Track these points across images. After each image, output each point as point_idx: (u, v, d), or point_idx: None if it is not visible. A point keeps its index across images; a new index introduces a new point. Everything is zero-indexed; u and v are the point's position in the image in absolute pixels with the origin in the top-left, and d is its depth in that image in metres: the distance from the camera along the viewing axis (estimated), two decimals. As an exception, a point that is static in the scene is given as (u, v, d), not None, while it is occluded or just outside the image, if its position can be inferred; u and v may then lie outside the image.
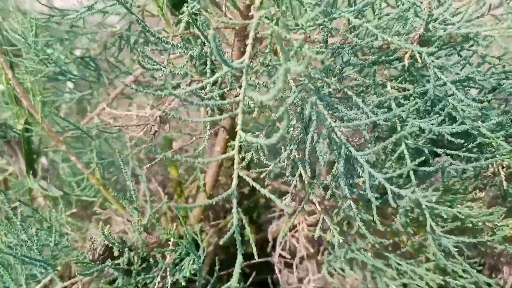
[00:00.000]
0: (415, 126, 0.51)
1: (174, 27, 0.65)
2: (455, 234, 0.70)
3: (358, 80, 0.57)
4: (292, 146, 0.58)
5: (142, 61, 0.56)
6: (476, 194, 0.70)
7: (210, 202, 0.42)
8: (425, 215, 0.58)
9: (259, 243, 1.01)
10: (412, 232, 0.72)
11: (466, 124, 0.53)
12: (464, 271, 0.76)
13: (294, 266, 0.83)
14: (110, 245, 0.57)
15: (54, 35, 0.77)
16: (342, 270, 0.70)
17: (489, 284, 0.77)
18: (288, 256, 0.90)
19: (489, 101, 0.64)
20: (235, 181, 0.43)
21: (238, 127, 0.43)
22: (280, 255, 0.87)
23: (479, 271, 0.77)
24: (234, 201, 0.42)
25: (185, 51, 0.56)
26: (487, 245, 0.76)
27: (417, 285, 0.68)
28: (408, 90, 0.57)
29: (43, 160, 0.90)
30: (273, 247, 0.94)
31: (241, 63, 0.43)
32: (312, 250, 0.86)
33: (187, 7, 0.58)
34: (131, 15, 0.64)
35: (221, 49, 0.49)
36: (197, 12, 0.58)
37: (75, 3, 0.75)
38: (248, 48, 0.42)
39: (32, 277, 0.63)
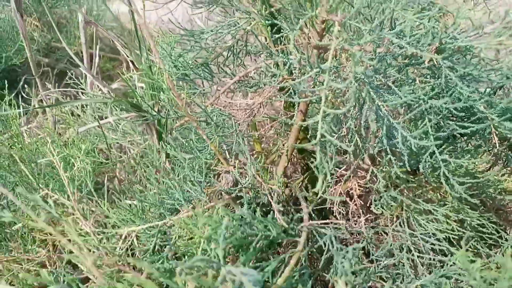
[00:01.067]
0: (432, 104, 0.81)
1: (272, 43, 0.99)
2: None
3: (397, 76, 0.88)
4: (351, 120, 0.90)
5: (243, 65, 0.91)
6: (483, 155, 0.98)
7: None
8: (443, 167, 0.88)
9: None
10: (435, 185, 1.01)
11: (467, 103, 0.82)
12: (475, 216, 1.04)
13: (350, 214, 1.15)
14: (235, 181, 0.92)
15: (185, 48, 1.13)
16: (384, 208, 1.01)
17: (495, 226, 1.04)
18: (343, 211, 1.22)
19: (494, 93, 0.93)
20: (318, 136, 0.75)
21: (322, 104, 0.75)
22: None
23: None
24: (318, 148, 0.75)
25: (284, 58, 0.89)
26: (492, 198, 1.03)
27: (435, 219, 0.97)
28: (430, 82, 0.87)
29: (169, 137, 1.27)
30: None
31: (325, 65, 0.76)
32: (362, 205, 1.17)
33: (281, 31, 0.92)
34: (239, 34, 0.99)
35: (309, 59, 0.82)
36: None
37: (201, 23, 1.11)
38: (330, 58, 0.75)
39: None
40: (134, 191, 1.20)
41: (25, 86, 1.96)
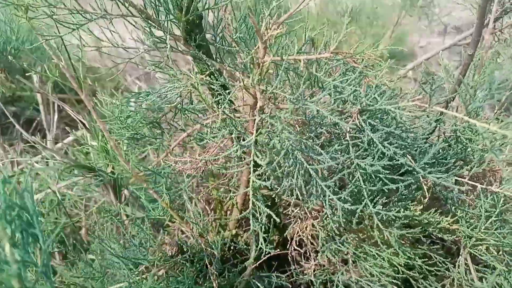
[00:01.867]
0: (358, 164, 0.86)
1: (212, 106, 1.03)
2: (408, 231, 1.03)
3: (328, 134, 0.92)
4: (288, 178, 0.94)
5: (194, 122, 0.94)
6: (420, 200, 1.02)
7: (240, 216, 0.78)
8: (376, 217, 0.92)
9: (281, 241, 1.37)
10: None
11: (392, 160, 0.87)
12: (422, 254, 1.09)
13: (302, 256, 1.18)
14: (180, 245, 0.95)
15: (132, 110, 1.17)
16: (333, 256, 1.05)
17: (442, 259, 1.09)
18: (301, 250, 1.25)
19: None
20: (251, 205, 0.79)
21: (251, 176, 0.79)
22: (294, 249, 1.22)
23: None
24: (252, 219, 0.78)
25: (222, 129, 0.93)
26: (435, 235, 1.08)
27: (381, 264, 1.01)
28: (360, 138, 0.92)
29: (126, 192, 1.30)
30: (291, 244, 1.29)
31: (250, 141, 0.80)
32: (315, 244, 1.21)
33: (220, 98, 0.96)
34: (184, 93, 1.03)
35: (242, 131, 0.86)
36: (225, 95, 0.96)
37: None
38: (254, 134, 0.79)
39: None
40: (94, 250, 1.22)
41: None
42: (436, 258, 1.14)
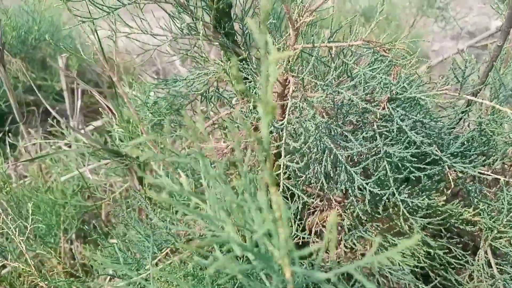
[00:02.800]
0: (386, 151, 0.87)
1: (242, 92, 1.05)
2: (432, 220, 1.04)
3: (355, 123, 0.94)
4: (315, 165, 0.96)
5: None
6: (443, 191, 1.04)
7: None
8: (401, 205, 0.93)
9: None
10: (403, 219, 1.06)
11: (419, 148, 0.88)
12: (442, 245, 1.10)
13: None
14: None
15: (159, 96, 1.19)
16: (354, 244, 1.07)
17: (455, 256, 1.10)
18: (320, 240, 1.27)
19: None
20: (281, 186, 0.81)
21: (283, 158, 0.81)
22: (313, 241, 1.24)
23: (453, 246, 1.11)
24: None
25: (251, 113, 0.95)
26: (458, 227, 1.09)
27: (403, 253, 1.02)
28: (387, 127, 0.93)
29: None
30: (309, 235, 1.31)
31: (282, 124, 0.82)
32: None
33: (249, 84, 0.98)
34: (210, 81, 1.05)
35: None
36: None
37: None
38: (286, 119, 0.81)
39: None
40: (117, 233, 1.24)
41: (12, 129, 2.01)
42: (455, 251, 1.15)
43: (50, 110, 1.34)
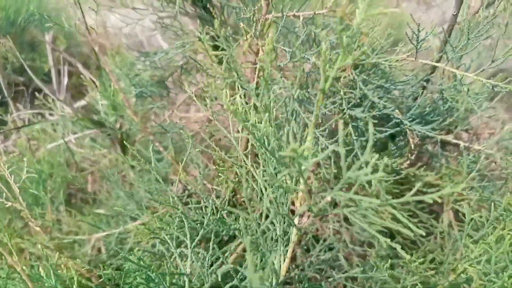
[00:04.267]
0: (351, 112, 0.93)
1: (215, 63, 1.10)
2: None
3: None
4: (286, 126, 1.01)
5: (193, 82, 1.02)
6: (408, 157, 1.10)
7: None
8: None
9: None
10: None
11: (380, 111, 0.94)
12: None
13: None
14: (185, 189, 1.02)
15: (140, 68, 1.24)
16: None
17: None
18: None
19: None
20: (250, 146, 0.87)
21: (251, 116, 0.87)
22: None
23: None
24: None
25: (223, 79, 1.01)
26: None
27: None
28: (352, 92, 0.99)
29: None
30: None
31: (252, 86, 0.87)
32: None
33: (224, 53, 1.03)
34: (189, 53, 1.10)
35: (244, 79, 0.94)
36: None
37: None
38: (255, 78, 0.86)
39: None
40: (101, 201, 1.30)
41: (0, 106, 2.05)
42: (421, 216, 1.22)
43: (40, 85, 1.38)
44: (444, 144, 1.14)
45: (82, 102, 1.71)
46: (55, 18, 2.40)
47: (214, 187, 1.07)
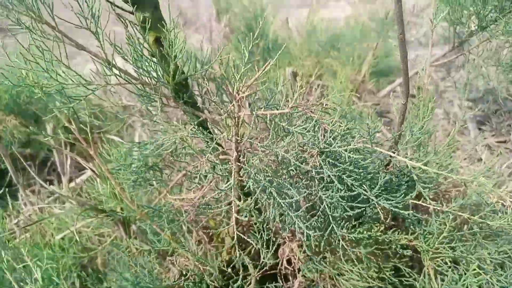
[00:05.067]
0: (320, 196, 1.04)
1: (200, 152, 1.23)
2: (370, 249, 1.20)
3: (295, 172, 1.11)
4: (267, 211, 1.12)
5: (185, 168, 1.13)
6: (383, 222, 1.20)
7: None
8: (341, 240, 1.10)
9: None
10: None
11: (350, 190, 1.05)
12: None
13: (291, 273, 1.36)
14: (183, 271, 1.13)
15: (135, 158, 1.36)
16: (312, 272, 1.23)
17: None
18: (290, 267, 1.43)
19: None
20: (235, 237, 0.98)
21: (233, 214, 0.98)
22: (285, 267, 1.40)
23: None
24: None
25: (210, 171, 1.12)
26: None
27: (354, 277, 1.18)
28: (322, 174, 1.10)
29: (134, 227, 1.49)
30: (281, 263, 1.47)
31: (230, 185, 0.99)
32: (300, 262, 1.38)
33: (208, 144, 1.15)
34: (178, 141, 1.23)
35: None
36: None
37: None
38: (232, 179, 0.98)
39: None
40: (111, 280, 1.40)
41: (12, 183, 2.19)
42: (405, 270, 1.31)
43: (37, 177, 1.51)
44: (416, 206, 1.24)
45: (85, 176, 1.84)
46: (56, 95, 2.55)
47: (207, 267, 1.17)
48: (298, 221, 1.03)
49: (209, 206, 1.14)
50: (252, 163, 1.04)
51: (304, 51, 2.67)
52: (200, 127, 1.28)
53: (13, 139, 2.41)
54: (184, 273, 1.13)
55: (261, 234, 1.37)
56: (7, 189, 2.01)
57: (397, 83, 2.90)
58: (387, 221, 1.21)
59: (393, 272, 1.27)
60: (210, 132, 1.30)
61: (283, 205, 1.05)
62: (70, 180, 1.89)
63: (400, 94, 0.98)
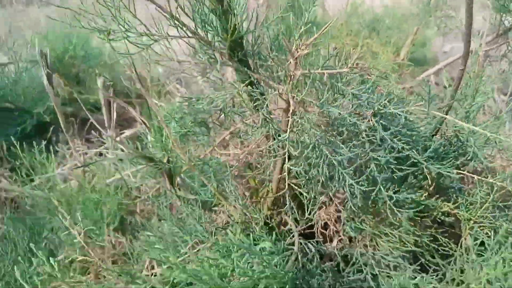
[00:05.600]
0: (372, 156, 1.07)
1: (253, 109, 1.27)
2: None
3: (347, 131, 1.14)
4: (315, 168, 1.16)
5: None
6: (427, 189, 1.23)
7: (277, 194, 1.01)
8: (388, 201, 1.13)
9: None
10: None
11: (400, 153, 1.07)
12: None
13: (327, 236, 1.40)
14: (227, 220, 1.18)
15: (185, 111, 1.41)
16: (352, 233, 1.27)
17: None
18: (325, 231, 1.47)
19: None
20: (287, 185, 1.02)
21: (286, 164, 1.02)
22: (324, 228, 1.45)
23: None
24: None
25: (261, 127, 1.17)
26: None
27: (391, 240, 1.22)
28: (374, 136, 1.13)
29: (178, 179, 1.55)
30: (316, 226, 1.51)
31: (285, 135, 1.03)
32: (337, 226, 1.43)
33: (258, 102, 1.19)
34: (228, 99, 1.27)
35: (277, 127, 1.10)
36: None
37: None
38: (288, 132, 1.02)
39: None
40: (152, 225, 1.48)
41: (53, 138, 2.29)
42: (442, 240, 1.33)
43: (94, 122, 1.58)
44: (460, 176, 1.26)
45: (130, 131, 1.91)
46: (98, 54, 2.64)
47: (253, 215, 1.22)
48: (348, 177, 1.06)
49: (259, 159, 1.18)
50: (307, 118, 1.07)
51: (344, 31, 2.67)
52: (251, 86, 1.32)
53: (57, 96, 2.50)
54: (230, 220, 1.18)
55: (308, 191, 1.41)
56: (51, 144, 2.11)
57: (432, 71, 2.88)
58: (431, 188, 1.24)
59: (431, 240, 1.30)
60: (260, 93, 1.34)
61: (334, 162, 1.09)
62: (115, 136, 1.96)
63: (460, 60, 0.99)
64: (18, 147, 1.79)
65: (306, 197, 1.28)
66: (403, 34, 2.78)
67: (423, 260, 1.32)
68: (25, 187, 1.90)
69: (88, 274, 1.58)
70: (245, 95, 1.35)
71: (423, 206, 1.25)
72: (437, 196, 1.21)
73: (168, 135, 1.33)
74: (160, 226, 1.47)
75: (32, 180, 2.04)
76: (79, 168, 1.65)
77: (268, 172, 1.51)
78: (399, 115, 1.05)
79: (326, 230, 1.46)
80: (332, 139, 1.10)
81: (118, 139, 1.75)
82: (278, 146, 1.28)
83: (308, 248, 1.21)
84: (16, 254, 1.66)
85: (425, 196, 1.21)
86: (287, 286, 0.95)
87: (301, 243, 1.21)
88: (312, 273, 1.18)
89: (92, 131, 1.67)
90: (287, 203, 1.10)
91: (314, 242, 1.31)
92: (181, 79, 2.75)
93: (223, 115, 1.42)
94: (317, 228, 1.43)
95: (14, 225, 1.80)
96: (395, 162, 1.13)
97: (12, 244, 1.69)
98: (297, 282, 1.16)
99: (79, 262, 1.45)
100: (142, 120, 1.44)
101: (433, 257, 1.32)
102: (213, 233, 1.19)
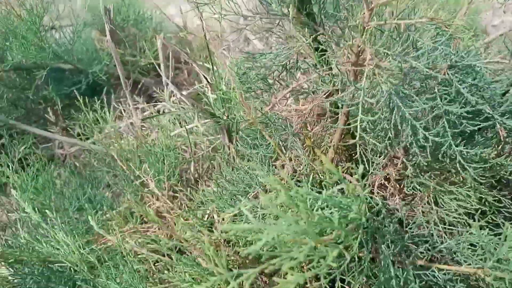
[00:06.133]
0: (446, 110, 1.06)
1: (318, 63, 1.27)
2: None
3: (419, 86, 1.13)
4: (385, 121, 1.16)
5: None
6: (495, 147, 1.21)
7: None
8: (458, 155, 1.12)
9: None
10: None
11: (474, 107, 1.06)
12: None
13: (388, 195, 1.41)
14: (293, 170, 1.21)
15: (248, 67, 1.43)
16: (415, 190, 1.27)
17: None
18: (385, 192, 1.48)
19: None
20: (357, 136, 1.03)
21: (359, 113, 1.03)
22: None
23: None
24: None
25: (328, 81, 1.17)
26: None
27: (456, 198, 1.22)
28: (446, 90, 1.12)
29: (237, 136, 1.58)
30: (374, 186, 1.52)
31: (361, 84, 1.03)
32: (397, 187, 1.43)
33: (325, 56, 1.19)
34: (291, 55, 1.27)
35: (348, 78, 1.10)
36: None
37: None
38: (364, 80, 1.02)
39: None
40: (212, 178, 1.52)
41: (105, 96, 2.37)
42: (504, 202, 1.32)
43: (166, 80, 1.62)
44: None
45: (189, 91, 1.95)
46: (149, 20, 2.67)
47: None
48: (421, 130, 1.06)
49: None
50: (384, 67, 1.07)
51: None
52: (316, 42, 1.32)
53: (109, 58, 2.57)
54: (296, 170, 1.21)
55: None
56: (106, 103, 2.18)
57: (490, 38, 2.78)
58: (500, 147, 1.22)
59: (495, 200, 1.29)
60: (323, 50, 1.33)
61: (406, 113, 1.08)
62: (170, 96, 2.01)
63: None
64: (81, 100, 1.86)
65: (371, 151, 1.29)
66: (457, 3, 2.68)
67: (483, 221, 1.32)
68: (85, 142, 1.99)
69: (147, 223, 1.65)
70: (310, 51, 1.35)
71: (490, 164, 1.24)
72: (507, 154, 1.20)
73: (235, 88, 1.35)
74: (219, 178, 1.51)
75: (87, 138, 2.13)
76: (146, 119, 1.71)
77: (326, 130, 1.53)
78: (479, 67, 1.03)
79: (386, 190, 1.47)
80: (406, 91, 1.09)
81: (183, 93, 1.79)
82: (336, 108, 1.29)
83: (374, 201, 1.23)
84: (78, 202, 1.74)
85: (494, 154, 1.20)
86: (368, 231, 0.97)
87: (366, 198, 1.23)
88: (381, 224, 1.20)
89: (154, 88, 1.71)
90: (357, 152, 1.11)
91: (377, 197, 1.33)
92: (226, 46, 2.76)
93: (285, 72, 1.43)
94: (376, 186, 1.44)
95: (75, 177, 1.89)
96: (468, 116, 1.12)
97: (75, 195, 1.78)
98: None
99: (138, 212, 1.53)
100: (204, 76, 1.47)
101: (499, 215, 1.31)
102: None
